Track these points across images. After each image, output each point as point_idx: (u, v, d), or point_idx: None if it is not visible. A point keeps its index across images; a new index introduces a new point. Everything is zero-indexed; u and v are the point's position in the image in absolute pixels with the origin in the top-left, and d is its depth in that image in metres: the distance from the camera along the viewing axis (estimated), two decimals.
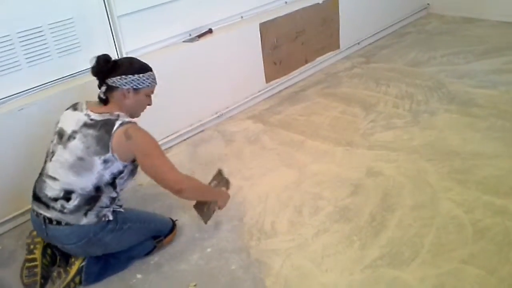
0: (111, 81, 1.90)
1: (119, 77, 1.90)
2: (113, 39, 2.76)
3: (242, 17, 3.44)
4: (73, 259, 2.02)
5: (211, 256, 2.12)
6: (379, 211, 2.27)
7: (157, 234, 2.16)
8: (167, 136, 3.07)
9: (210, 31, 3.20)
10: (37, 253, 2.04)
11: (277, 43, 3.58)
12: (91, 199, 1.87)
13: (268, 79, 3.63)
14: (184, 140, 3.17)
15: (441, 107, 3.20)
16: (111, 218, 1.93)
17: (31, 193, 1.99)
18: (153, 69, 2.02)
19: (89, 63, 1.94)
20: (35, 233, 2.06)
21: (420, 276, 1.87)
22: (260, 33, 3.43)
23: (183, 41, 3.11)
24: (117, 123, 1.85)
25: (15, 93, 2.42)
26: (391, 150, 2.76)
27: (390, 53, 4.26)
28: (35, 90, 2.49)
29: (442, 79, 3.60)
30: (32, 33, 2.40)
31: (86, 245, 1.91)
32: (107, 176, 1.87)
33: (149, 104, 2.06)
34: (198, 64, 3.10)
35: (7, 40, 2.31)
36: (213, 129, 3.28)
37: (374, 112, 3.24)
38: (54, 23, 2.46)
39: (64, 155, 1.88)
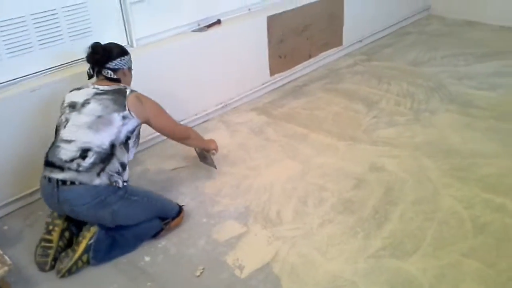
0: (113, 64, 2.17)
1: (119, 59, 2.18)
2: (124, 25, 2.79)
3: (250, 9, 3.48)
4: (80, 238, 2.05)
5: (218, 242, 2.17)
6: (381, 204, 2.33)
7: (164, 216, 2.21)
8: None
9: (218, 22, 3.23)
10: (55, 236, 2.07)
11: (283, 37, 3.62)
12: (106, 158, 1.99)
13: (273, 72, 3.67)
14: None
15: (442, 106, 3.27)
16: (120, 185, 2.02)
17: (39, 175, 2.04)
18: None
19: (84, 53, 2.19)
20: (55, 213, 2.09)
21: (422, 267, 1.94)
22: (267, 26, 3.47)
23: (192, 31, 3.14)
24: (128, 90, 2.12)
25: (26, 74, 2.44)
26: (393, 146, 2.83)
27: (391, 52, 4.33)
28: (46, 72, 2.51)
29: (443, 80, 3.67)
30: (46, 16, 2.42)
31: (97, 206, 1.96)
32: (123, 135, 2.05)
33: None
34: (205, 54, 3.13)
35: (21, 22, 2.33)
36: (217, 119, 3.31)
37: (376, 109, 3.30)
38: (68, 6, 2.48)
39: (81, 118, 2.03)
